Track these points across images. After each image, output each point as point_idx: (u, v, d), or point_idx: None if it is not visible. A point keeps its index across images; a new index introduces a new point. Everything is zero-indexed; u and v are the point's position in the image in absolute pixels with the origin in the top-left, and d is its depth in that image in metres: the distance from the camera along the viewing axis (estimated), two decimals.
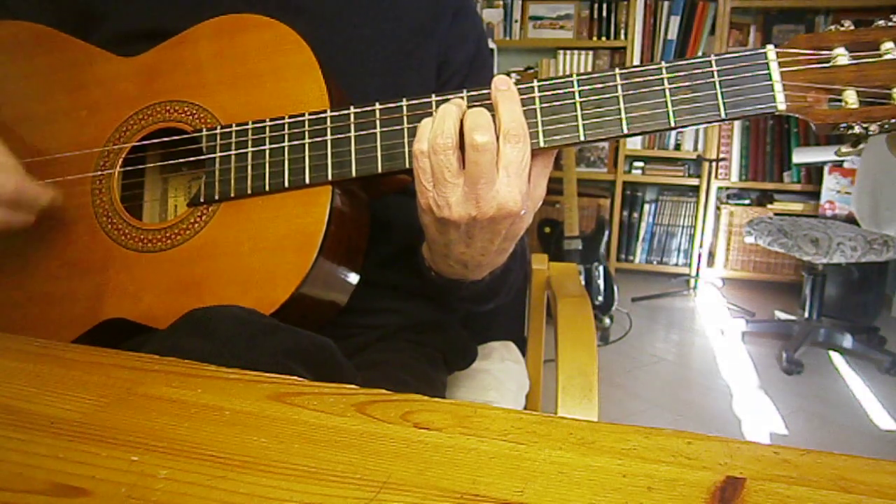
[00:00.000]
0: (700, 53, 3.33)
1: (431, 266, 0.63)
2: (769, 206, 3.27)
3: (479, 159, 0.49)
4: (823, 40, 0.52)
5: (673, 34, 3.33)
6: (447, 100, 0.55)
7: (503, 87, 0.52)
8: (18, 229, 0.60)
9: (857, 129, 0.51)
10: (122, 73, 0.65)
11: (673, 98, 0.52)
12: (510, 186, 0.50)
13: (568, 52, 3.46)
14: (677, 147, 3.44)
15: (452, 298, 0.69)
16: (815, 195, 3.13)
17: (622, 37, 3.39)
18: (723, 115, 0.51)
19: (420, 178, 0.52)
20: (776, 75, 0.51)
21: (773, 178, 3.30)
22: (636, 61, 3.37)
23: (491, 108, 0.52)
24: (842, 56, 0.51)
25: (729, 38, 3.24)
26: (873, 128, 0.51)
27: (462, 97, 0.54)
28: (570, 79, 0.53)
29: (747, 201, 3.35)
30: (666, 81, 0.52)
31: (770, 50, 0.52)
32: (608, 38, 3.41)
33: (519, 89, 0.53)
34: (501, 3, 3.55)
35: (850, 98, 0.51)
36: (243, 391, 0.38)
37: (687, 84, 0.52)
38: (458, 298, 0.68)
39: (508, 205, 0.50)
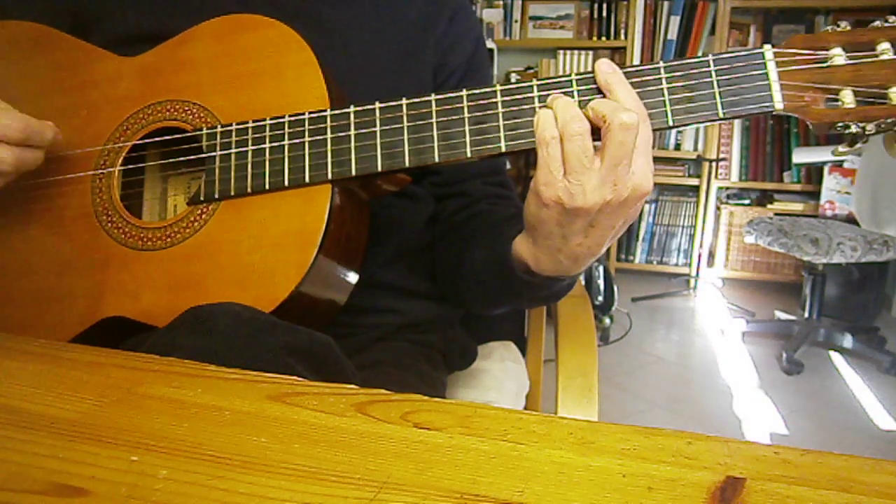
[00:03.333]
0: (700, 53, 3.33)
1: (532, 266, 0.59)
2: (769, 206, 3.27)
3: (626, 139, 0.48)
4: (820, 40, 0.52)
5: (673, 34, 3.32)
6: (447, 98, 0.55)
7: (610, 70, 0.52)
8: (31, 168, 0.59)
9: (853, 129, 0.51)
10: (122, 72, 0.65)
11: (671, 97, 0.52)
12: (644, 166, 0.50)
13: (568, 52, 3.45)
14: (677, 147, 3.44)
15: (529, 297, 0.66)
16: (815, 195, 3.13)
17: (622, 37, 3.38)
18: (720, 115, 0.52)
19: (548, 168, 0.50)
20: (773, 75, 0.52)
21: (773, 178, 3.30)
22: (636, 61, 3.37)
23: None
24: (838, 56, 0.51)
25: (729, 38, 3.24)
26: (870, 127, 0.51)
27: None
28: (567, 78, 0.53)
29: (747, 201, 3.35)
30: (664, 81, 0.52)
31: (767, 50, 0.52)
32: (608, 38, 3.41)
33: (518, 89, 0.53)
34: (501, 3, 3.55)
35: (847, 98, 0.51)
36: (243, 391, 0.38)
37: (685, 83, 0.52)
38: (538, 297, 0.66)
39: (643, 185, 0.50)
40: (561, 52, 3.46)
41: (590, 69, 0.53)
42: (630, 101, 0.50)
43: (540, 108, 0.53)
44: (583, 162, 0.49)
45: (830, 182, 3.04)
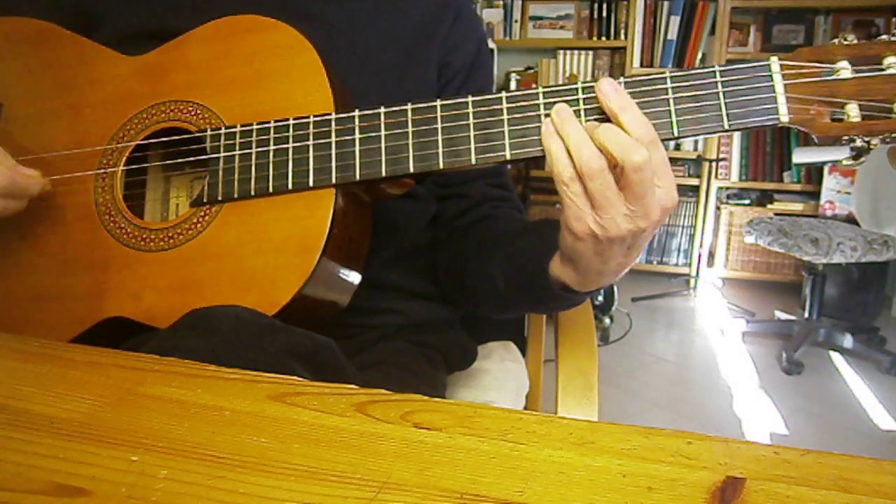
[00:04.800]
0: (700, 54, 3.35)
1: (575, 288, 0.58)
2: (769, 206, 3.27)
3: (643, 178, 0.47)
4: (827, 53, 0.52)
5: (673, 34, 3.32)
6: (452, 105, 0.55)
7: (612, 92, 0.50)
8: (9, 216, 0.60)
9: (858, 143, 0.51)
10: (126, 71, 0.65)
11: (676, 108, 0.52)
12: (667, 184, 0.50)
13: (568, 52, 3.45)
14: (677, 147, 3.43)
15: (555, 307, 0.67)
16: (815, 195, 3.13)
17: (622, 37, 3.38)
18: (726, 126, 0.52)
19: (575, 204, 0.50)
20: (780, 87, 0.51)
21: (773, 178, 3.30)
22: (636, 61, 3.37)
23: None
24: (845, 70, 0.51)
25: (729, 39, 3.24)
26: (875, 141, 0.51)
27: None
28: (574, 86, 0.53)
29: (747, 201, 3.35)
30: (670, 91, 0.52)
31: (774, 62, 0.52)
32: (608, 38, 3.41)
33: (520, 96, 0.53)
34: (501, 3, 3.55)
35: (853, 111, 0.51)
36: (243, 391, 0.38)
37: (690, 94, 0.52)
38: (564, 307, 0.66)
39: (668, 202, 0.50)
40: (561, 52, 3.46)
41: (592, 73, 0.53)
42: (637, 128, 0.49)
43: (546, 118, 0.52)
44: (608, 197, 0.48)
45: (830, 182, 3.04)
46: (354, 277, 0.63)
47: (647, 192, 0.48)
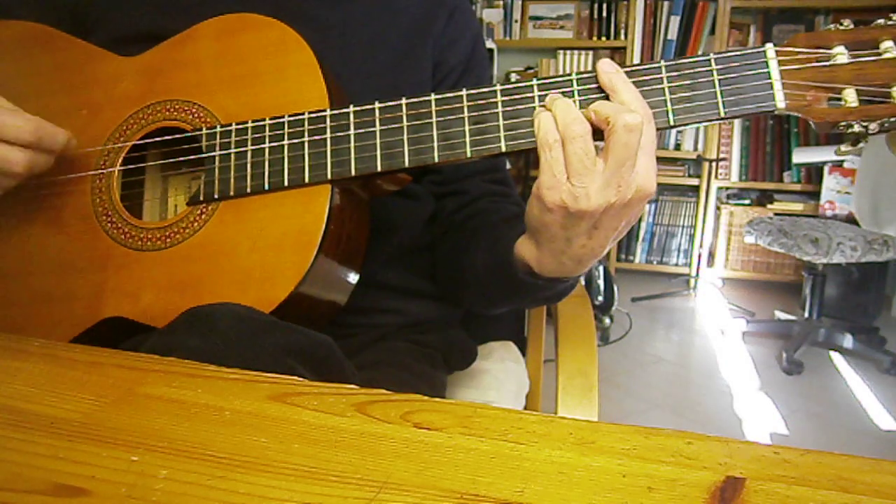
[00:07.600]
0: (700, 53, 3.33)
1: (535, 268, 0.58)
2: (769, 206, 3.27)
3: (630, 140, 0.47)
4: (823, 39, 0.52)
5: (673, 34, 3.33)
6: (447, 98, 0.55)
7: (612, 70, 0.51)
8: (42, 171, 0.59)
9: (856, 128, 0.51)
10: (122, 72, 0.65)
11: (672, 97, 0.52)
12: (648, 167, 0.50)
13: (568, 52, 3.45)
14: (677, 147, 3.44)
15: (531, 298, 0.66)
16: (815, 195, 3.13)
17: (622, 37, 3.39)
18: (722, 114, 0.51)
19: (551, 172, 0.49)
20: (776, 74, 0.51)
21: (773, 178, 3.30)
22: (636, 61, 3.37)
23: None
24: (841, 55, 0.51)
25: (729, 38, 3.24)
26: (873, 126, 0.51)
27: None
28: (568, 77, 0.53)
29: (747, 201, 3.35)
30: (665, 80, 0.52)
31: (769, 48, 0.52)
32: (608, 38, 3.41)
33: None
34: (501, 3, 3.55)
35: (850, 97, 0.51)
36: (243, 391, 0.38)
37: (686, 83, 0.52)
38: (540, 298, 0.65)
39: (646, 185, 0.50)
40: (561, 52, 3.46)
41: (590, 69, 0.53)
42: (634, 102, 0.50)
43: (539, 107, 0.53)
44: (585, 164, 0.48)
45: (830, 182, 3.04)
46: (352, 276, 0.63)
47: (627, 160, 0.48)
